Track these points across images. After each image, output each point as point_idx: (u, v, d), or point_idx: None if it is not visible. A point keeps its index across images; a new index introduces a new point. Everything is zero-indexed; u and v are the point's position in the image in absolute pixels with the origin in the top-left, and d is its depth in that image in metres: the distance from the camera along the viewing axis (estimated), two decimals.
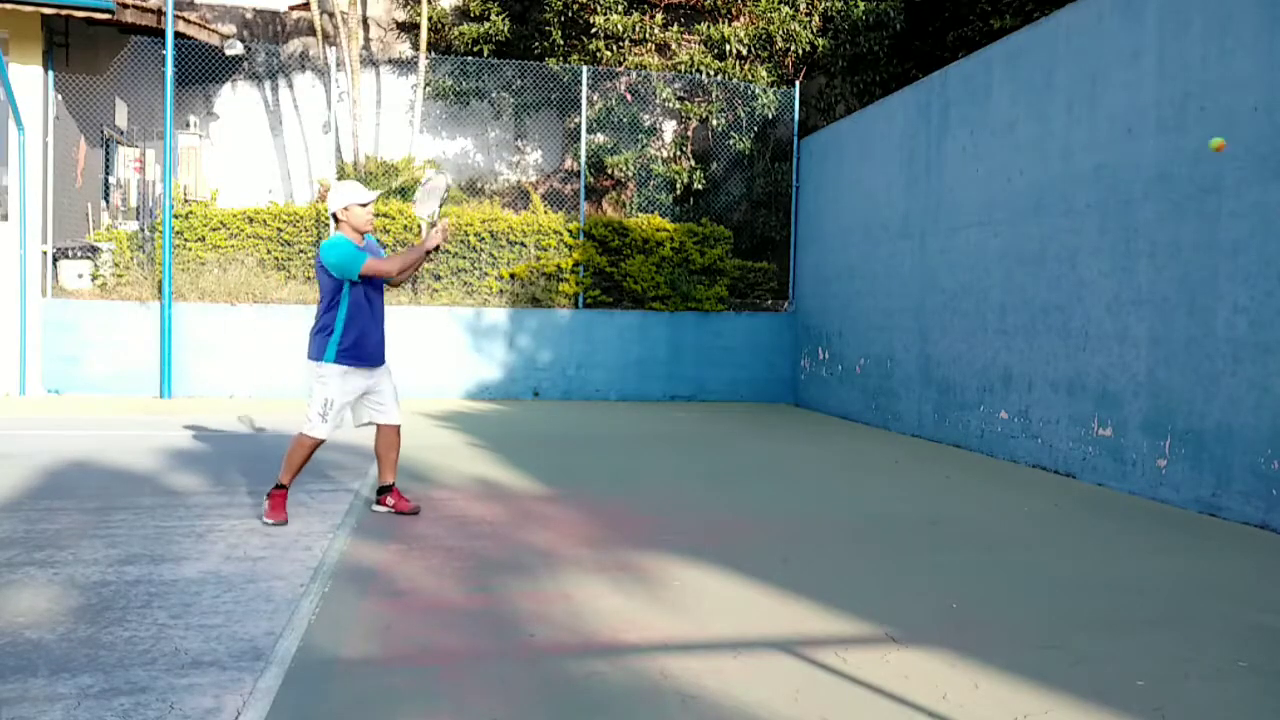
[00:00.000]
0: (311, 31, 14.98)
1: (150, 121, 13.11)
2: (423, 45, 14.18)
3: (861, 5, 13.01)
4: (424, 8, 14.13)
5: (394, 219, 12.05)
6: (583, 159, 12.92)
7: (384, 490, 5.49)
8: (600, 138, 13.94)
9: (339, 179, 12.72)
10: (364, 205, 5.16)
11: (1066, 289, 7.38)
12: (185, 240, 11.62)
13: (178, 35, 11.49)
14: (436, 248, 5.18)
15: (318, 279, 5.13)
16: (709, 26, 13.50)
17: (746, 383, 12.79)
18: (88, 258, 11.43)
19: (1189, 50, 6.29)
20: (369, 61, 15.00)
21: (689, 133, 14.26)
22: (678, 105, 13.67)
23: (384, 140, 14.98)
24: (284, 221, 12.09)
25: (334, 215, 5.16)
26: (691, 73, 13.33)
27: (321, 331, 5.05)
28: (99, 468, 6.53)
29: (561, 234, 12.46)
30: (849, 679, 3.17)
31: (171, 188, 11.18)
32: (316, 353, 5.05)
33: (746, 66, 13.48)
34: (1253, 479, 5.68)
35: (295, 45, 15.17)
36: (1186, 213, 6.25)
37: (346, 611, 3.73)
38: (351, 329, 5.06)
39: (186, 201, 12.37)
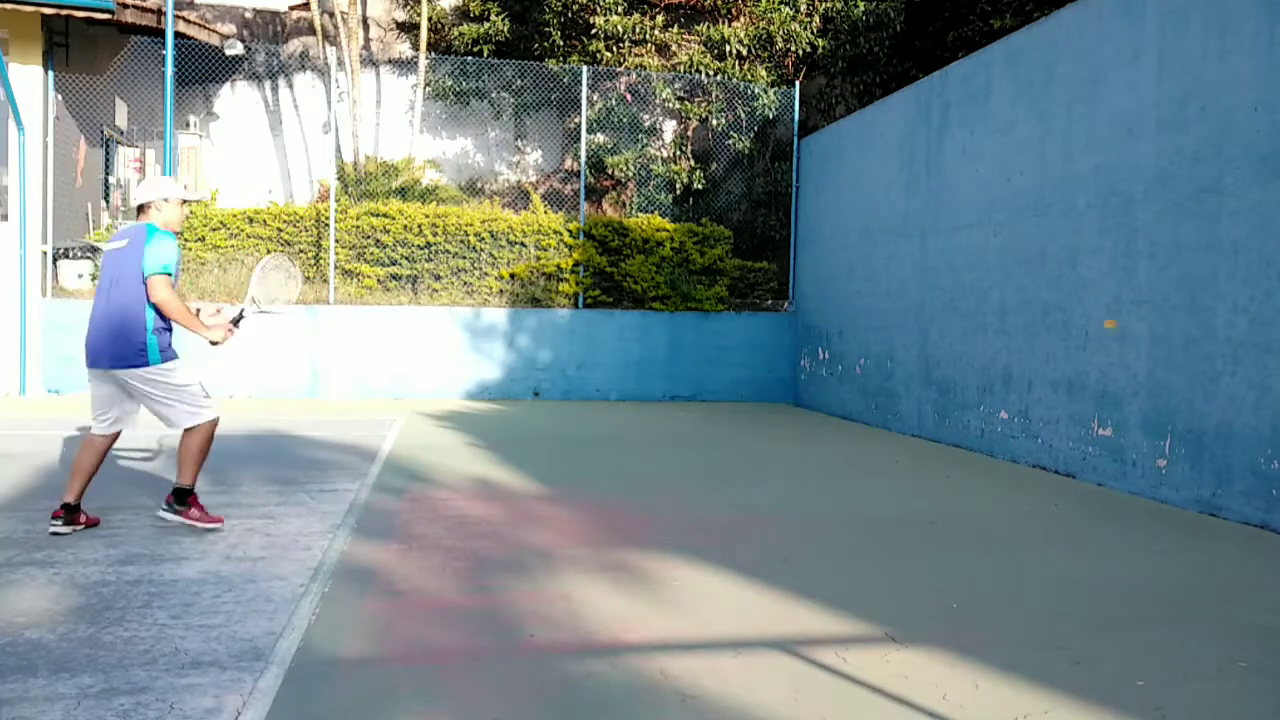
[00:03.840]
0: (311, 31, 14.99)
1: (150, 121, 13.11)
2: (423, 45, 14.18)
3: (861, 5, 13.01)
4: (424, 8, 14.13)
5: (394, 219, 12.05)
6: (583, 159, 12.92)
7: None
8: (600, 138, 13.94)
9: (339, 179, 12.73)
10: (184, 203, 4.97)
11: (1066, 289, 7.38)
12: (185, 240, 11.61)
13: (178, 35, 11.50)
14: (216, 342, 4.98)
15: (120, 269, 4.74)
16: (709, 27, 13.50)
17: (746, 383, 12.78)
18: (88, 258, 11.43)
19: (1189, 50, 6.29)
20: (369, 61, 15.01)
21: (689, 133, 14.26)
22: (678, 105, 13.67)
23: (384, 140, 14.99)
24: (284, 221, 12.09)
25: (147, 205, 4.87)
26: (691, 73, 13.33)
27: (165, 330, 4.83)
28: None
29: (561, 234, 12.46)
30: (849, 679, 3.17)
31: None
32: (160, 355, 4.84)
33: (746, 67, 13.48)
34: (1253, 479, 5.68)
35: (295, 45, 15.17)
36: (1186, 213, 6.25)
37: (346, 611, 3.73)
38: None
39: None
